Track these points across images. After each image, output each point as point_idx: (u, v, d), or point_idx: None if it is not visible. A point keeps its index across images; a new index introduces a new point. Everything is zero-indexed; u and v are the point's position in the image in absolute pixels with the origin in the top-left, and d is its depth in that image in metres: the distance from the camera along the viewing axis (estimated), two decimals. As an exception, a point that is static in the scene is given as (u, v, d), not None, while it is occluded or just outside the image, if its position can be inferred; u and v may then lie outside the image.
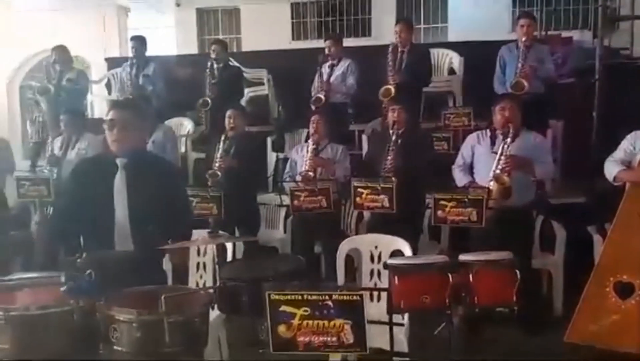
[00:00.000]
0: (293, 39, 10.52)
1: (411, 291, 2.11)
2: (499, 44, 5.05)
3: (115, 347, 1.78)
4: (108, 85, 6.89)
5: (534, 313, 3.45)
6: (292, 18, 10.61)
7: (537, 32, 6.00)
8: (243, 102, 6.25)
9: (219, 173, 4.06)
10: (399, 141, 3.87)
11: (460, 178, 3.69)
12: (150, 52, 5.98)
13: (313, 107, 4.92)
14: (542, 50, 4.71)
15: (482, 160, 3.63)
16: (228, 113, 4.33)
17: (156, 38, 10.02)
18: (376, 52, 5.54)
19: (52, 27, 10.41)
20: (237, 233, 4.07)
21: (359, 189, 3.61)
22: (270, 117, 6.32)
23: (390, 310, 1.75)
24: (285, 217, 4.57)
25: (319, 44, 8.11)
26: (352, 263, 3.32)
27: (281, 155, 5.45)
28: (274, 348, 1.60)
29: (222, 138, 4.19)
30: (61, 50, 5.71)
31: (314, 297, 1.56)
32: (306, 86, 5.48)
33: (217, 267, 2.27)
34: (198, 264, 3.16)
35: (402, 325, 1.99)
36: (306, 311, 1.57)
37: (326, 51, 5.25)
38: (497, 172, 3.38)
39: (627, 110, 4.55)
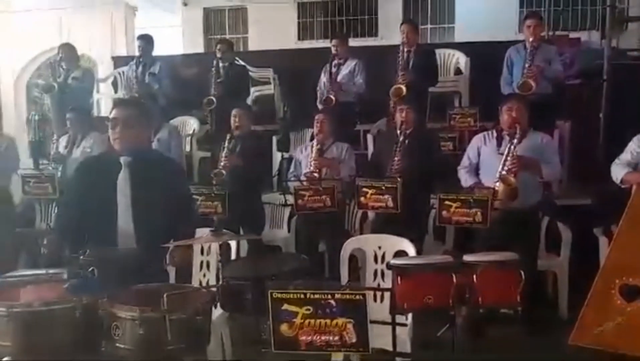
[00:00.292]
0: (299, 39, 10.51)
1: (414, 291, 2.09)
2: (505, 44, 5.03)
3: (117, 344, 1.78)
4: (114, 84, 6.92)
5: (538, 314, 3.43)
6: (298, 18, 10.60)
7: (544, 32, 5.98)
8: (249, 101, 6.27)
9: (223, 172, 4.06)
10: (407, 141, 3.86)
11: (466, 179, 3.67)
12: (157, 51, 6.00)
13: (320, 107, 4.94)
14: (549, 51, 4.68)
15: (488, 161, 3.61)
16: (233, 112, 4.33)
17: (163, 37, 10.05)
18: (383, 52, 5.53)
19: (59, 25, 10.47)
20: (241, 232, 4.07)
21: (364, 189, 3.60)
22: (276, 116, 6.33)
23: (393, 310, 1.74)
24: (290, 217, 4.57)
25: (325, 43, 8.11)
26: (357, 263, 3.32)
27: (286, 155, 5.45)
28: (276, 347, 1.60)
29: (228, 137, 4.20)
30: (68, 49, 5.73)
31: (317, 296, 1.55)
32: (312, 86, 5.49)
33: (219, 265, 2.25)
34: (202, 263, 3.16)
35: (405, 325, 1.97)
36: (308, 310, 1.56)
37: (333, 50, 5.25)
38: (504, 172, 3.36)
39: (634, 111, 4.51)
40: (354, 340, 1.56)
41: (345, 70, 5.19)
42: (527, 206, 3.49)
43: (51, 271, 2.02)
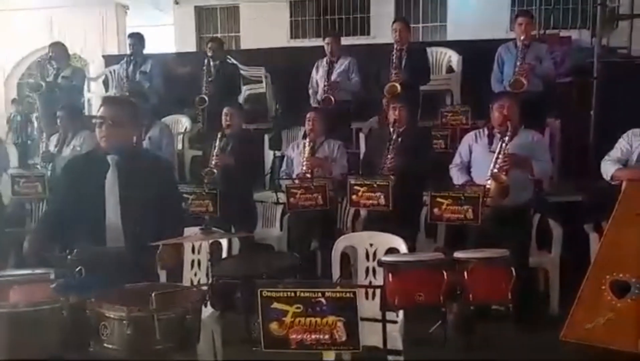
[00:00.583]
0: (291, 37, 10.51)
1: (405, 288, 2.09)
2: (497, 42, 5.04)
3: (105, 344, 1.76)
4: (105, 83, 6.87)
5: (530, 311, 3.44)
6: (290, 16, 10.59)
7: (535, 31, 6.00)
8: (241, 99, 6.26)
9: (215, 170, 4.05)
10: (400, 139, 3.87)
11: (457, 177, 3.68)
12: (148, 49, 5.97)
13: (319, 107, 4.93)
14: (540, 49, 4.70)
15: (479, 159, 3.62)
16: (225, 110, 4.32)
17: (155, 36, 10.01)
18: (375, 51, 5.53)
19: (50, 24, 10.40)
20: (233, 231, 4.06)
21: (355, 187, 3.60)
22: (268, 114, 6.31)
23: (384, 308, 1.74)
24: (282, 215, 4.56)
25: (317, 42, 8.09)
26: (349, 260, 3.31)
27: (278, 153, 5.43)
28: (265, 346, 1.59)
29: (219, 135, 4.18)
30: (58, 47, 5.69)
31: (307, 294, 1.54)
32: (304, 84, 5.49)
33: (209, 263, 2.24)
34: (193, 261, 3.14)
35: (395, 322, 1.97)
36: (299, 308, 1.55)
37: (326, 48, 5.24)
38: (495, 170, 3.37)
39: (624, 109, 4.53)
40: (344, 338, 1.55)
41: (339, 68, 5.18)
42: (518, 203, 3.49)
43: (38, 271, 1.99)
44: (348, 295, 1.54)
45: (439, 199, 3.19)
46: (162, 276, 2.83)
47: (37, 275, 1.97)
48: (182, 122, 5.97)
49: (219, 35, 10.84)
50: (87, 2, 10.51)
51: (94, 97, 6.94)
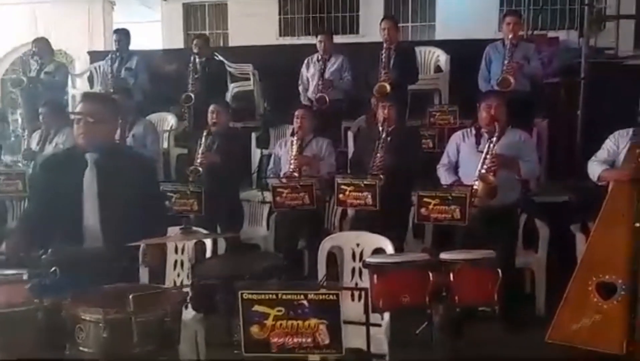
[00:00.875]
0: (280, 35, 10.44)
1: (390, 290, 2.06)
2: (485, 42, 5.04)
3: (81, 348, 1.70)
4: (90, 79, 6.77)
5: (516, 311, 3.43)
6: (279, 14, 10.53)
7: (523, 31, 6.01)
8: (228, 97, 6.20)
9: (200, 169, 3.99)
10: (389, 138, 3.84)
11: (445, 177, 3.66)
12: (136, 46, 5.90)
13: (304, 104, 4.90)
14: (528, 48, 4.71)
15: (467, 159, 3.60)
16: (211, 108, 4.26)
17: (142, 33, 9.90)
18: (364, 50, 5.50)
19: (36, 20, 10.24)
20: (219, 231, 4.00)
21: (342, 186, 3.57)
22: (256, 112, 6.26)
23: (368, 310, 1.70)
24: (269, 214, 4.51)
25: (307, 40, 8.04)
26: (336, 261, 3.28)
27: (266, 151, 5.39)
28: (246, 349, 1.54)
29: (205, 133, 4.12)
30: (41, 43, 5.61)
31: (289, 296, 1.50)
32: (293, 82, 5.45)
33: (189, 264, 2.19)
34: (176, 262, 3.08)
35: (379, 325, 1.93)
36: (280, 311, 1.51)
37: (319, 46, 5.20)
38: (483, 171, 3.35)
39: (611, 109, 4.55)
40: (327, 342, 1.51)
41: (332, 66, 5.16)
42: (505, 203, 3.48)
43: (12, 271, 1.93)
44: (331, 297, 1.50)
45: (426, 199, 3.16)
46: (145, 276, 2.78)
47: (11, 275, 1.91)
48: (168, 120, 5.89)
49: (207, 32, 10.76)
50: (72, -3, 10.37)
51: (78, 93, 6.83)
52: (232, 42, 10.36)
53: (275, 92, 6.06)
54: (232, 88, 6.36)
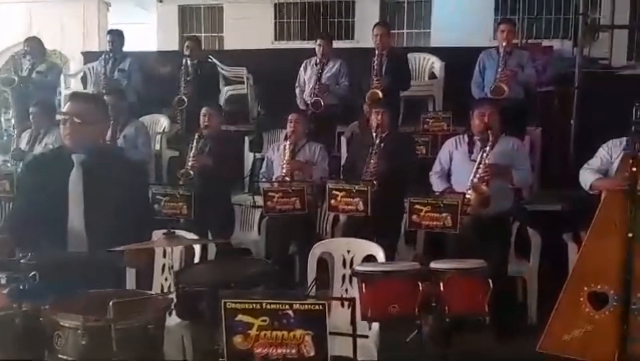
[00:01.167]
0: (276, 39, 10.41)
1: (379, 299, 2.02)
2: (480, 50, 5.04)
3: (60, 355, 1.65)
4: (84, 79, 6.73)
5: (507, 320, 3.40)
6: (275, 18, 10.50)
7: (518, 40, 6.02)
8: (222, 100, 6.16)
9: (191, 172, 3.94)
10: (382, 144, 3.82)
11: (437, 184, 3.64)
12: (131, 47, 5.86)
13: (300, 108, 4.87)
14: (522, 56, 4.71)
15: (460, 167, 3.58)
16: (203, 111, 4.22)
17: (137, 34, 9.84)
18: (359, 55, 5.49)
19: (30, 19, 10.18)
20: (209, 235, 3.96)
21: (334, 191, 3.55)
22: (250, 116, 6.22)
23: (354, 321, 1.66)
24: (260, 219, 4.47)
25: (302, 45, 8.01)
26: (327, 267, 3.24)
27: (259, 155, 5.35)
28: (229, 360, 1.50)
29: (196, 136, 4.08)
30: (34, 42, 5.57)
31: (274, 306, 1.46)
32: (287, 86, 5.42)
33: (172, 270, 2.15)
34: (164, 266, 3.03)
35: (366, 336, 1.89)
36: (265, 321, 1.46)
37: (317, 50, 5.17)
38: (476, 180, 3.33)
39: (604, 119, 4.54)
40: (312, 353, 1.47)
41: (330, 71, 5.14)
42: (498, 212, 3.46)
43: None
44: (317, 307, 1.46)
45: (417, 206, 3.14)
46: (132, 282, 2.73)
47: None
48: (161, 122, 5.85)
49: (202, 35, 10.73)
50: (67, -3, 10.32)
51: (71, 94, 6.78)
52: (227, 45, 10.33)
53: (269, 96, 6.03)
54: (226, 91, 6.33)
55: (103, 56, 5.69)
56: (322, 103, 4.91)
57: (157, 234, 2.32)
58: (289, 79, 5.44)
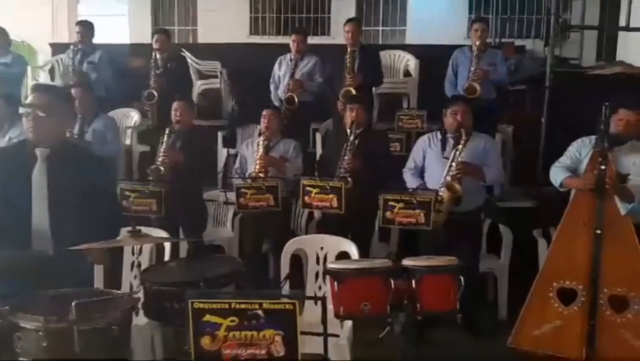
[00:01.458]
0: (251, 34, 10.31)
1: (351, 297, 2.00)
2: (454, 48, 5.06)
3: (20, 358, 1.59)
4: (52, 72, 6.54)
5: (478, 316, 3.44)
6: (250, 12, 10.39)
7: (491, 39, 6.08)
8: (195, 94, 6.06)
9: (161, 168, 3.85)
10: (356, 141, 3.80)
11: (411, 181, 3.64)
12: (102, 40, 5.70)
13: (273, 104, 4.82)
14: (495, 55, 4.76)
15: (433, 165, 3.60)
16: (174, 105, 4.12)
17: (108, 26, 9.61)
18: (334, 51, 5.46)
19: (-2, 11, 9.85)
20: (181, 232, 3.89)
21: (308, 188, 3.51)
22: (223, 111, 6.14)
23: (325, 320, 1.64)
24: (234, 215, 4.41)
25: (277, 40, 7.95)
26: (302, 264, 3.22)
27: (232, 151, 5.28)
28: (196, 361, 1.46)
29: (167, 131, 3.99)
30: (-2, 33, 5.35)
31: (243, 306, 1.42)
32: (262, 81, 5.36)
33: (137, 268, 2.09)
34: (133, 263, 2.96)
35: (337, 336, 1.87)
36: (233, 321, 1.43)
37: (291, 45, 5.12)
38: (449, 178, 3.35)
39: (574, 117, 4.63)
40: (282, 353, 1.44)
41: (304, 68, 5.09)
42: (470, 209, 3.49)
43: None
44: (288, 306, 1.43)
45: (391, 202, 3.14)
46: (100, 280, 2.66)
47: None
48: (132, 116, 5.71)
49: (175, 28, 10.55)
50: (36, -13, 10.02)
51: (38, 86, 6.57)
52: (201, 39, 10.17)
53: (244, 91, 5.95)
54: (199, 85, 6.23)
55: (72, 48, 5.52)
56: (296, 100, 4.88)
57: (123, 232, 2.25)
58: (263, 74, 5.38)
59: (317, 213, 4.00)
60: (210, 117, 5.96)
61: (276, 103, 5.06)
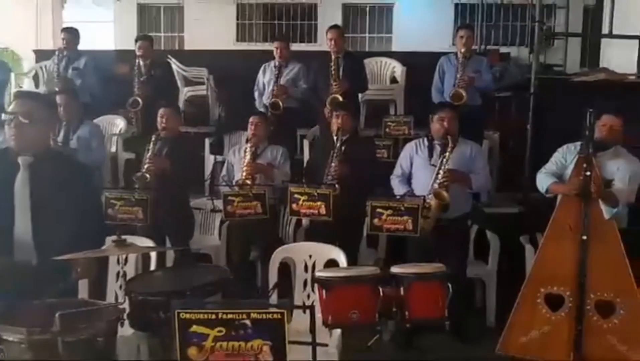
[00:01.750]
0: (237, 40, 10.31)
1: (339, 305, 1.99)
2: (440, 55, 5.10)
3: (1, 371, 1.55)
4: (36, 78, 6.46)
5: (466, 322, 3.44)
6: (237, 19, 10.39)
7: (476, 46, 6.14)
8: (181, 101, 6.03)
9: (147, 175, 3.80)
10: (343, 148, 3.80)
11: (398, 188, 3.64)
12: (88, 46, 5.65)
13: (259, 110, 4.82)
14: (480, 62, 4.80)
15: (420, 171, 3.60)
16: (160, 112, 4.08)
17: (94, 33, 9.54)
18: (321, 57, 5.47)
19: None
20: (167, 240, 3.84)
21: (295, 195, 3.50)
22: (210, 117, 6.11)
23: (314, 328, 1.62)
24: (221, 223, 4.37)
25: (264, 46, 7.95)
26: (290, 272, 3.20)
27: (220, 158, 5.25)
28: (183, 372, 1.43)
29: (153, 138, 3.95)
30: (-21, 40, 5.28)
31: (230, 316, 1.40)
32: (249, 88, 5.35)
33: (122, 278, 2.05)
34: (118, 273, 2.92)
35: (325, 345, 1.86)
36: (221, 331, 1.41)
37: (275, 52, 5.12)
38: (436, 186, 3.35)
39: (559, 123, 4.68)
40: (269, 363, 1.42)
41: (289, 74, 5.09)
42: (457, 216, 3.49)
43: None
44: (276, 316, 1.41)
45: (379, 209, 3.14)
46: (84, 290, 2.61)
47: None
48: (117, 123, 5.66)
49: (162, 34, 10.52)
50: (19, -7, 9.90)
51: (22, 93, 6.49)
52: (188, 45, 10.15)
53: (230, 98, 5.94)
54: (186, 92, 6.20)
55: (57, 54, 5.47)
56: (281, 105, 4.87)
57: (108, 242, 2.22)
58: (250, 81, 5.37)
59: (305, 221, 3.98)
60: (197, 123, 5.93)
61: (261, 110, 5.06)
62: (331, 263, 2.92)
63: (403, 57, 6.31)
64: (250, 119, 4.18)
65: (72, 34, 5.54)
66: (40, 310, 1.75)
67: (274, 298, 2.47)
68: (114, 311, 1.78)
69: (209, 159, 5.41)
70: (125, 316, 1.83)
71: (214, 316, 1.40)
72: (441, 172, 3.36)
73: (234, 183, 3.94)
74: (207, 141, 5.51)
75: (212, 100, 6.14)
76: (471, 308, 3.89)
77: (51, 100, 2.43)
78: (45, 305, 1.75)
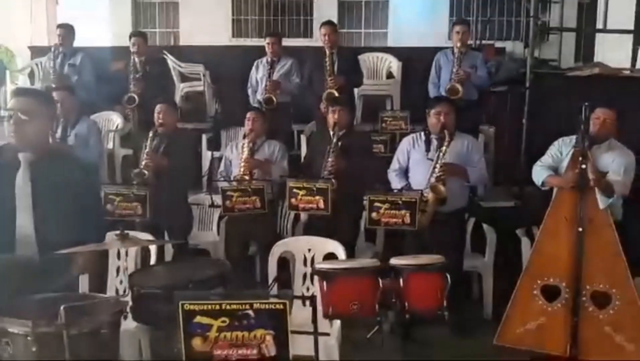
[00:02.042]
0: (233, 36, 10.28)
1: (340, 297, 2.01)
2: (436, 50, 5.13)
3: (8, 364, 1.57)
4: (31, 75, 6.44)
5: (464, 314, 3.47)
6: (233, 15, 10.36)
7: (472, 41, 6.16)
8: (178, 97, 6.03)
9: (145, 172, 3.81)
10: (339, 143, 3.82)
11: (396, 181, 3.68)
12: (82, 43, 5.64)
13: (254, 106, 4.83)
14: (476, 57, 4.84)
15: (417, 166, 3.63)
16: (157, 108, 4.09)
17: (89, 29, 9.49)
18: (317, 53, 5.49)
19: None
20: (166, 236, 3.86)
21: (294, 190, 3.52)
22: (207, 113, 6.11)
23: (316, 319, 1.65)
24: (219, 218, 4.39)
25: (260, 42, 7.93)
26: (289, 266, 3.22)
27: (217, 154, 5.26)
28: (187, 363, 1.46)
29: (150, 135, 3.96)
30: (-28, 38, 5.26)
31: (233, 306, 1.43)
32: (245, 84, 5.38)
33: (125, 272, 2.07)
34: (118, 268, 2.94)
35: (327, 334, 1.88)
36: (224, 322, 1.43)
37: (267, 48, 5.13)
38: (433, 180, 3.38)
39: (555, 117, 4.71)
40: (273, 353, 1.44)
41: (281, 69, 5.11)
42: (454, 209, 3.53)
43: None
44: (278, 306, 1.44)
45: (377, 203, 3.16)
46: (85, 285, 2.63)
47: None
48: (114, 120, 5.65)
49: (157, 30, 10.48)
50: (13, -11, 9.85)
51: (17, 90, 6.47)
52: (183, 41, 10.11)
53: (227, 93, 5.94)
54: (182, 88, 6.20)
55: (52, 51, 5.45)
56: (274, 100, 4.90)
57: (110, 236, 2.24)
58: (247, 77, 5.39)
59: (303, 215, 4.00)
60: (194, 119, 5.93)
61: (255, 106, 5.07)
62: (330, 257, 2.94)
63: (399, 52, 6.32)
64: (247, 115, 4.19)
65: (67, 30, 5.53)
66: (45, 303, 1.77)
67: (273, 292, 2.49)
68: (117, 305, 1.80)
69: (206, 155, 5.42)
70: (128, 309, 1.85)
71: (217, 307, 1.43)
72: (438, 165, 3.39)
73: (232, 179, 3.96)
74: (204, 137, 5.51)
75: (208, 96, 6.14)
76: (468, 300, 3.93)
77: (50, 97, 2.44)
78: (49, 299, 1.77)
